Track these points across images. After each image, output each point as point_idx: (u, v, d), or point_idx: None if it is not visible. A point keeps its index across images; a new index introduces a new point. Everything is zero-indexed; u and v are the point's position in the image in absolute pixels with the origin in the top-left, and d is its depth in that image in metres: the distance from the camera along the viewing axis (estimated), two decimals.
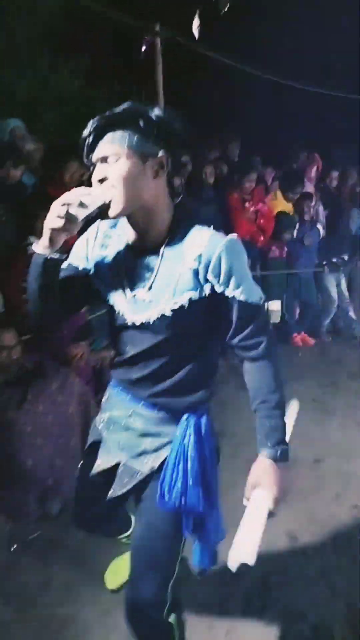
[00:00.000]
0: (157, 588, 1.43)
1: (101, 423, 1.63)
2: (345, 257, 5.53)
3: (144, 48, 4.16)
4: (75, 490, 1.75)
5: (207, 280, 1.33)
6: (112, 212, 1.28)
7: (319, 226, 5.55)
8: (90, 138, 1.27)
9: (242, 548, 1.31)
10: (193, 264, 1.32)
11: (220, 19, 3.85)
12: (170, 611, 1.51)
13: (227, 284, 1.32)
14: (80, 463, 1.72)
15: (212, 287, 1.34)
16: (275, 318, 5.55)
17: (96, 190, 1.28)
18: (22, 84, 7.14)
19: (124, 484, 1.52)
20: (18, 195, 3.25)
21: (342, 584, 2.22)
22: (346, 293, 5.91)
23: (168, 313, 1.34)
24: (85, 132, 1.28)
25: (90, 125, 1.27)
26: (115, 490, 1.53)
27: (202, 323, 1.39)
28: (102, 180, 1.27)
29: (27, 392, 2.67)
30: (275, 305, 5.49)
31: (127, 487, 1.52)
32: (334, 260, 5.44)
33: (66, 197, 1.26)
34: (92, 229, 1.45)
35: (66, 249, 1.36)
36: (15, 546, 2.50)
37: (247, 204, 4.70)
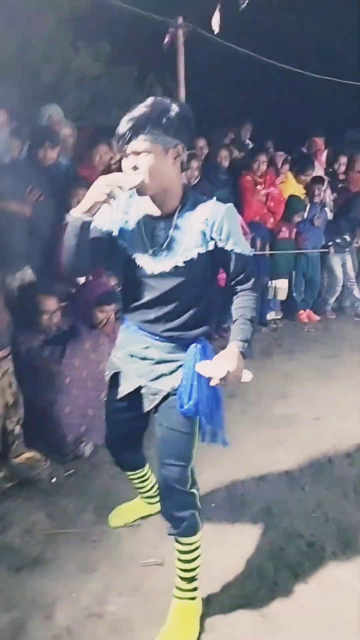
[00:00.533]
0: (181, 469, 1.86)
1: (117, 358, 1.99)
2: (348, 238, 5.85)
3: (167, 40, 4.48)
4: (106, 416, 2.11)
5: (212, 238, 1.72)
6: (142, 192, 1.67)
7: (327, 209, 5.87)
8: (126, 135, 1.61)
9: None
10: (201, 226, 1.71)
11: (239, 14, 4.15)
12: (192, 485, 1.92)
13: (227, 240, 1.72)
14: (106, 392, 2.08)
15: (215, 244, 1.73)
16: (282, 295, 5.92)
17: (131, 175, 1.64)
18: (47, 67, 7.44)
19: (151, 400, 1.90)
20: (54, 175, 3.62)
21: (334, 513, 2.63)
22: (351, 273, 6.25)
23: (181, 264, 1.73)
24: (121, 131, 1.61)
25: (125, 125, 1.60)
26: (146, 406, 1.91)
27: (205, 272, 1.78)
28: (135, 168, 1.63)
29: (65, 349, 3.08)
30: (282, 283, 5.86)
31: (154, 403, 1.89)
32: (338, 241, 5.78)
33: (109, 178, 1.62)
34: (106, 209, 1.77)
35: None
36: (54, 479, 2.93)
37: (258, 187, 5.03)
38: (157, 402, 1.89)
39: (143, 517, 2.55)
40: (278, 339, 5.43)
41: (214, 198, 1.76)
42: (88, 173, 4.05)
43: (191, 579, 1.99)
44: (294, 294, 5.97)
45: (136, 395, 1.94)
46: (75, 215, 1.68)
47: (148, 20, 4.65)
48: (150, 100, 1.64)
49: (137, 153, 1.62)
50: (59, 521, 2.60)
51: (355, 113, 7.89)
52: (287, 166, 5.53)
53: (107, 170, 4.16)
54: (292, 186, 5.53)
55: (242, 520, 2.59)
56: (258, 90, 6.80)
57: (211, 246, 1.73)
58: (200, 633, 1.96)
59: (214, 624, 2.02)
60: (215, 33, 4.25)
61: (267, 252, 5.45)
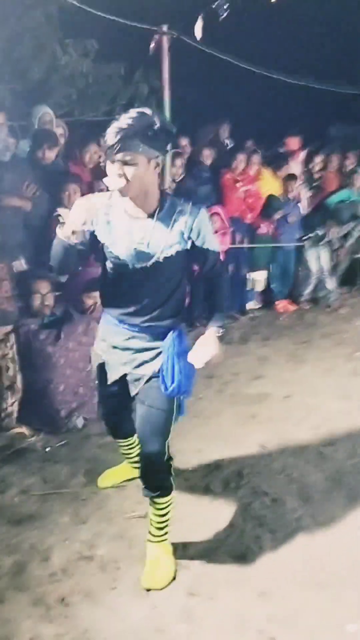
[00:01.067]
0: (160, 445, 2.14)
1: (101, 350, 2.23)
2: (320, 232, 6.21)
3: (152, 45, 4.78)
4: (99, 400, 2.51)
5: (189, 238, 1.98)
6: (124, 194, 1.87)
7: (300, 205, 6.22)
8: (116, 147, 1.79)
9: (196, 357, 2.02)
10: (179, 227, 1.96)
11: (219, 24, 4.46)
12: (168, 456, 2.21)
13: (203, 240, 2.01)
14: (96, 380, 2.39)
15: (193, 242, 2.00)
16: (260, 286, 6.27)
17: (115, 180, 1.84)
18: (35, 64, 7.65)
19: (135, 386, 2.16)
20: (51, 173, 3.91)
21: (297, 475, 2.99)
22: (325, 266, 6.61)
23: (161, 260, 1.96)
24: (111, 142, 1.80)
25: (114, 137, 1.78)
26: (132, 390, 2.18)
27: (180, 268, 2.04)
28: (120, 175, 1.83)
29: (60, 332, 3.40)
30: (260, 275, 6.21)
31: (139, 386, 2.14)
32: (312, 235, 6.14)
33: (81, 203, 1.89)
34: (96, 202, 1.97)
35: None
36: (49, 448, 3.26)
37: (238, 184, 5.37)
38: (140, 386, 2.13)
39: (128, 480, 2.88)
40: (255, 327, 5.78)
41: (190, 202, 2.02)
42: (79, 170, 4.35)
43: (163, 528, 2.31)
44: (272, 285, 6.32)
45: (122, 379, 2.20)
46: (62, 237, 1.92)
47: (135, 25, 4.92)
48: (135, 113, 1.83)
49: (124, 162, 1.82)
50: (52, 483, 2.93)
51: (333, 112, 8.29)
52: (258, 162, 5.78)
53: (97, 167, 4.46)
54: (269, 183, 5.87)
55: (216, 481, 2.93)
56: (239, 93, 7.13)
57: (189, 245, 1.99)
58: (176, 571, 2.30)
59: (190, 563, 2.37)
60: (198, 40, 4.56)
61: (246, 245, 5.78)
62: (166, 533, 2.34)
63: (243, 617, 2.08)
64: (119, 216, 1.98)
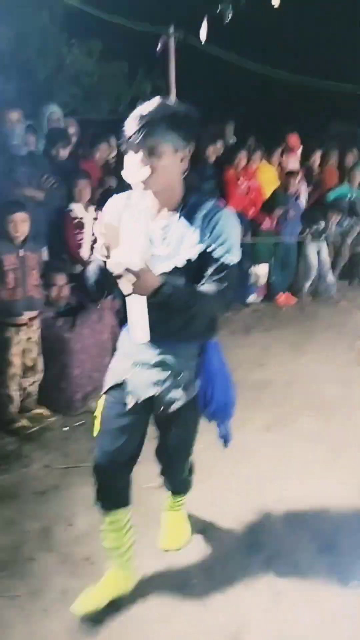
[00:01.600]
0: (188, 464, 2.30)
1: (122, 369, 1.90)
2: (321, 226, 6.42)
3: (159, 47, 4.98)
4: (100, 437, 2.03)
5: (207, 238, 1.67)
6: (147, 187, 1.62)
7: (300, 200, 6.43)
8: (142, 133, 1.56)
9: (139, 331, 1.68)
10: (199, 225, 1.66)
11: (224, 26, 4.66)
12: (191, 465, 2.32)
13: (219, 244, 1.67)
14: (101, 408, 2.01)
15: (208, 245, 1.67)
16: (262, 280, 6.47)
17: (137, 171, 1.61)
18: (42, 64, 7.86)
19: (165, 406, 1.87)
20: (64, 170, 4.13)
21: (292, 450, 3.22)
22: (326, 260, 6.83)
23: (180, 264, 1.68)
24: (134, 127, 1.56)
25: (138, 123, 1.55)
26: (156, 410, 1.90)
27: (204, 272, 1.68)
28: (145, 164, 1.58)
29: (75, 320, 3.61)
30: (262, 269, 6.41)
31: (167, 410, 1.88)
32: (313, 229, 6.35)
33: (98, 229, 1.65)
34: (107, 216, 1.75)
35: None
36: (67, 428, 3.48)
37: (240, 180, 5.58)
38: (174, 408, 1.87)
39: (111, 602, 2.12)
40: (258, 318, 5.99)
41: (214, 200, 1.73)
42: (89, 167, 4.56)
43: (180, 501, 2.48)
44: (273, 278, 6.53)
45: (140, 407, 1.88)
46: (96, 256, 1.72)
47: (141, 26, 5.13)
48: (157, 100, 1.61)
49: (150, 150, 1.58)
50: (72, 458, 3.15)
51: (333, 110, 8.49)
52: (259, 159, 6.02)
53: (106, 165, 4.68)
54: (266, 172, 6.07)
55: (223, 456, 3.12)
56: (242, 91, 7.36)
57: (204, 247, 1.67)
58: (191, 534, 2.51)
59: (205, 526, 2.59)
60: (202, 42, 4.75)
61: (248, 241, 5.99)
62: (183, 504, 2.52)
63: (253, 575, 2.30)
64: (135, 217, 1.74)
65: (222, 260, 1.67)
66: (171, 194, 1.71)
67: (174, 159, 1.64)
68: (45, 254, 3.85)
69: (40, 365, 3.51)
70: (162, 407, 1.89)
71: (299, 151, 6.62)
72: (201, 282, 1.68)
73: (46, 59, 8.04)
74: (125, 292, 1.56)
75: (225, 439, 2.15)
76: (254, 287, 6.44)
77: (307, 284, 6.81)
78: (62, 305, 3.68)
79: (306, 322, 5.89)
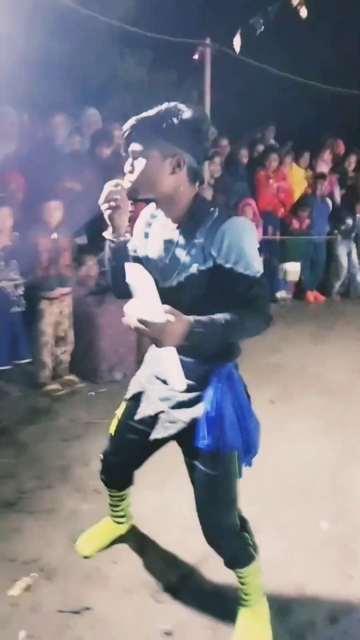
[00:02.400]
0: (222, 516, 1.75)
1: (144, 377, 1.87)
2: (350, 223, 6.67)
3: (196, 56, 5.41)
4: (114, 434, 2.00)
5: (210, 255, 1.52)
6: (132, 196, 1.58)
7: (329, 201, 6.72)
8: (126, 136, 1.53)
9: (174, 379, 1.49)
10: (199, 240, 1.53)
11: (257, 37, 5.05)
12: (241, 525, 1.80)
13: (228, 257, 1.51)
14: (122, 411, 1.96)
15: (214, 260, 1.52)
16: (293, 277, 6.77)
17: (122, 182, 1.59)
18: (96, 72, 8.47)
19: (165, 428, 1.71)
20: (105, 167, 4.61)
21: (301, 426, 3.56)
22: (356, 260, 7.06)
23: (182, 279, 1.57)
24: (123, 129, 1.54)
25: (127, 125, 1.52)
26: (156, 433, 1.74)
27: (215, 289, 1.54)
28: (130, 171, 1.56)
29: (104, 298, 4.08)
30: (292, 267, 6.70)
31: (169, 431, 1.70)
32: (343, 227, 6.61)
33: (103, 195, 1.62)
34: (138, 222, 1.74)
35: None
36: (92, 393, 3.95)
37: (270, 181, 5.93)
38: (172, 432, 1.71)
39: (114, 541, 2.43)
40: (283, 313, 6.31)
41: (217, 209, 1.57)
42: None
43: (250, 593, 1.90)
44: (303, 276, 6.82)
45: (150, 422, 1.79)
46: (106, 236, 1.73)
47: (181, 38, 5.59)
48: (164, 104, 1.52)
49: (134, 155, 1.54)
50: (94, 416, 3.61)
51: None
52: (290, 162, 6.38)
53: None
54: (296, 173, 6.40)
55: None
56: (280, 97, 7.72)
57: (210, 263, 1.53)
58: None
59: None
60: (237, 52, 5.16)
61: (277, 237, 6.33)
62: (255, 597, 1.91)
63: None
64: (154, 230, 1.68)
65: (247, 274, 1.51)
66: (173, 205, 1.59)
67: (160, 166, 1.51)
68: (84, 239, 4.34)
69: (70, 336, 4.01)
70: (163, 426, 1.74)
71: (327, 155, 6.89)
72: (233, 303, 1.51)
73: (100, 67, 8.65)
74: (156, 347, 1.42)
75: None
76: (283, 283, 6.76)
77: (337, 284, 7.07)
78: (91, 284, 4.15)
79: (330, 318, 6.17)
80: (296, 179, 6.38)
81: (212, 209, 1.55)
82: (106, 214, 1.67)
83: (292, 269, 6.76)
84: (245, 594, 1.89)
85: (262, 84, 6.78)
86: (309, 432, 3.44)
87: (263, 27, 4.99)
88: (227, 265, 1.50)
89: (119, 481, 2.22)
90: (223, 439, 1.63)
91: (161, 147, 1.50)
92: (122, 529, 2.42)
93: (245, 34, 5.15)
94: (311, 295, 6.91)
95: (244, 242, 1.50)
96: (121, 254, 1.73)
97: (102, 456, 2.13)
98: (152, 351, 1.86)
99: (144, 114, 1.52)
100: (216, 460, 1.67)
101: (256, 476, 2.75)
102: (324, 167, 6.67)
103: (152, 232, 1.68)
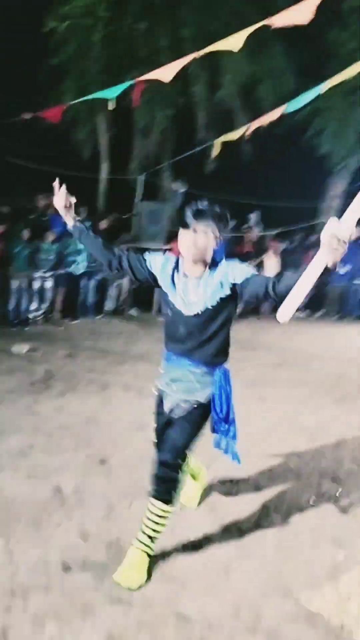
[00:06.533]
0: (173, 456, 2.26)
1: (161, 385, 2.39)
2: None
3: None
4: (156, 428, 2.43)
5: (229, 283, 2.23)
6: (197, 259, 2.21)
7: None
8: (197, 219, 2.17)
9: (283, 309, 2.01)
10: (218, 278, 2.24)
11: None
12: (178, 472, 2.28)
13: (238, 275, 2.21)
14: (155, 411, 2.43)
15: (233, 285, 2.22)
16: None
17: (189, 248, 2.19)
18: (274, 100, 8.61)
19: (182, 409, 2.32)
20: None
21: (303, 399, 4.28)
22: None
23: (209, 307, 2.25)
24: (189, 215, 2.17)
25: (192, 213, 2.17)
26: (177, 413, 2.32)
27: (224, 312, 2.28)
28: (195, 243, 2.18)
29: None
30: None
31: (186, 410, 2.31)
32: None
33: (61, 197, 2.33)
34: (158, 261, 2.33)
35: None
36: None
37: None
38: (188, 409, 2.32)
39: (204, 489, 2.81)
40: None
41: (224, 259, 2.31)
42: None
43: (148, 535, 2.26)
44: None
45: (174, 407, 2.37)
46: (71, 230, 2.41)
47: None
48: (205, 203, 2.21)
49: (199, 231, 2.17)
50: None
51: None
52: None
53: None
54: None
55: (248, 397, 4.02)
56: None
57: (227, 290, 2.23)
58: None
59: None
60: None
61: None
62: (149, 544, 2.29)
63: None
64: (178, 276, 2.32)
65: (253, 273, 2.25)
66: (205, 262, 2.27)
67: (212, 240, 2.22)
68: None
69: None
70: (180, 408, 2.33)
71: None
72: (273, 284, 2.14)
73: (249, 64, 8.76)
74: (329, 261, 1.88)
75: (225, 451, 2.37)
76: None
77: None
78: None
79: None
80: None
81: (218, 259, 2.29)
82: (65, 211, 2.37)
83: None
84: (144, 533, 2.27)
85: None
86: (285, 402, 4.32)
87: None
88: (243, 278, 2.20)
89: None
90: (229, 413, 2.33)
91: (214, 228, 2.21)
92: (203, 482, 2.79)
93: None
94: None
95: (242, 266, 2.25)
96: (85, 233, 2.42)
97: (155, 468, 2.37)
98: (166, 365, 2.41)
99: (203, 208, 2.19)
100: (195, 420, 2.32)
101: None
102: None
103: (176, 280, 2.31)
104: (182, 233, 2.20)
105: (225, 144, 6.25)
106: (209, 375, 2.29)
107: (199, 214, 2.17)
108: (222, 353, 2.33)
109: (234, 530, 2.39)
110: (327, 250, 1.84)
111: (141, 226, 7.95)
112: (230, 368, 2.29)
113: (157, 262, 2.32)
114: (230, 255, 7.47)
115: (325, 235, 1.82)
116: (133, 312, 7.59)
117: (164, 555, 2.19)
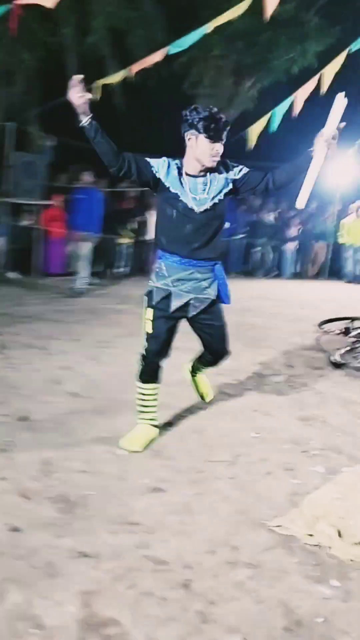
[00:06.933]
0: (229, 345, 2.70)
1: (165, 285, 2.48)
2: None
3: None
4: (152, 333, 2.50)
5: (232, 180, 2.46)
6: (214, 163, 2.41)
7: None
8: (223, 127, 2.35)
9: (300, 198, 2.46)
10: (225, 175, 2.46)
11: None
12: None
13: (240, 172, 2.48)
14: (153, 313, 2.50)
15: (234, 181, 2.46)
16: None
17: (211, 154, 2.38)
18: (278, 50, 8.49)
19: (197, 307, 2.52)
20: None
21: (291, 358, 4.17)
22: None
23: (217, 201, 2.45)
24: (220, 128, 2.33)
25: (222, 126, 2.33)
26: (191, 311, 2.51)
27: (225, 210, 2.52)
28: (219, 152, 2.36)
29: None
30: None
31: (199, 308, 2.52)
32: None
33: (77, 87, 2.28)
34: (162, 165, 2.44)
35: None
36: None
37: None
38: (203, 307, 2.52)
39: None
40: None
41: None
42: None
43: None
44: None
45: (177, 310, 2.50)
46: (85, 125, 2.31)
47: None
48: (216, 109, 2.37)
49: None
50: None
51: None
52: None
53: None
54: None
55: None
56: None
57: (230, 185, 2.45)
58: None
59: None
60: None
61: None
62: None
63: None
64: (177, 172, 2.45)
65: (245, 171, 2.49)
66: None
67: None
68: None
69: None
70: (193, 307, 2.50)
71: None
72: (266, 176, 2.48)
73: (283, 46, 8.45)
74: (326, 156, 2.37)
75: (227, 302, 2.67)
76: None
77: None
78: None
79: None
80: None
81: (226, 160, 2.48)
82: (80, 101, 2.25)
83: None
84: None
85: None
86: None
87: None
88: (243, 174, 2.46)
89: (159, 371, 2.60)
90: (229, 298, 2.62)
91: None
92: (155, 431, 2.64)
93: None
94: None
95: (239, 165, 2.50)
96: (102, 132, 2.32)
97: (143, 359, 2.54)
98: (166, 265, 2.50)
99: (224, 121, 2.36)
100: (221, 315, 2.62)
101: None
102: None
103: (174, 174, 2.43)
104: (205, 142, 2.31)
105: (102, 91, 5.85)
106: (211, 271, 2.51)
107: (225, 127, 2.33)
108: (220, 249, 2.58)
109: (184, 471, 2.25)
110: (326, 145, 2.33)
111: (16, 180, 7.31)
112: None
113: (161, 166, 2.41)
114: (112, 211, 7.36)
115: (320, 138, 2.33)
116: (11, 274, 6.98)
117: (119, 503, 1.98)
